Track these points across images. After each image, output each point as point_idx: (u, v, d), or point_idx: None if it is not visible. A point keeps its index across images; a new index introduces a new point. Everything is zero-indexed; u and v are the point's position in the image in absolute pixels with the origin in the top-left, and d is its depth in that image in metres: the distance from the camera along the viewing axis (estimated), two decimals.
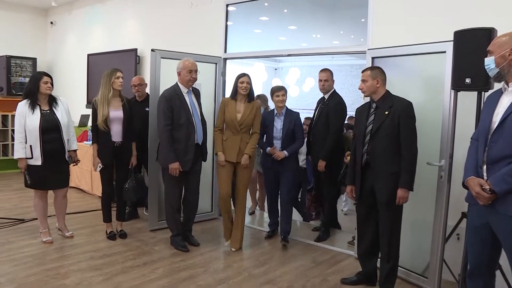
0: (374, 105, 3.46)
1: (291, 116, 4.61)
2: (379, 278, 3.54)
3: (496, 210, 2.37)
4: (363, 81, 3.45)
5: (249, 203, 6.06)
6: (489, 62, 2.49)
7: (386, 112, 3.34)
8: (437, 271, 3.48)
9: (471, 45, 3.07)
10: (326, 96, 4.73)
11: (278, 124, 4.62)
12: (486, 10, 3.62)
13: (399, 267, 3.58)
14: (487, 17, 3.49)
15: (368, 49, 4.15)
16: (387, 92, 3.45)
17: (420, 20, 4.04)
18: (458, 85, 3.22)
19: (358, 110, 3.67)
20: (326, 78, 4.71)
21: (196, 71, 4.24)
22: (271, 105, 5.52)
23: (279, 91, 4.58)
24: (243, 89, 4.22)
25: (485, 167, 2.45)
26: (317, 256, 4.32)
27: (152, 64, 4.77)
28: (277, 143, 4.59)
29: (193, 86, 4.36)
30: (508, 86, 2.43)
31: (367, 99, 3.61)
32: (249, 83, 4.26)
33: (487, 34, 3.04)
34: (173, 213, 4.35)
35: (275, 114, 4.65)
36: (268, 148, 4.59)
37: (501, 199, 2.34)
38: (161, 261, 4.00)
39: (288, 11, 6.46)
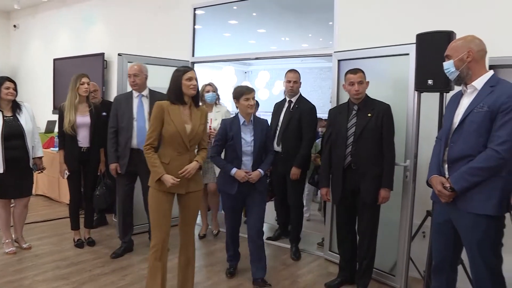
0: (355, 107, 3.48)
1: (262, 125, 3.67)
2: (356, 274, 3.63)
3: (457, 207, 2.47)
4: (360, 82, 3.40)
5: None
6: (449, 66, 2.56)
7: (369, 114, 3.40)
8: (404, 268, 3.56)
9: (432, 48, 3.14)
10: (294, 100, 4.39)
11: (247, 135, 3.58)
12: (446, 14, 3.73)
13: None
14: (447, 20, 3.58)
15: (334, 52, 4.21)
16: (366, 94, 3.51)
17: (385, 23, 4.12)
18: (421, 86, 3.29)
19: (334, 112, 3.69)
20: (296, 79, 4.38)
21: (134, 75, 4.05)
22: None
23: (249, 93, 3.52)
24: (192, 88, 3.06)
25: (446, 165, 2.54)
26: (287, 258, 4.33)
27: (119, 68, 4.73)
28: (247, 160, 3.57)
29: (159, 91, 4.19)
30: (467, 88, 2.53)
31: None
32: (197, 80, 3.13)
33: (447, 36, 3.13)
34: (120, 216, 4.33)
35: (241, 122, 3.56)
36: (235, 171, 3.49)
37: (462, 197, 2.43)
38: (130, 268, 3.95)
39: (257, 14, 6.48)
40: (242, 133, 3.55)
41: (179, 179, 3.01)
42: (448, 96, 2.90)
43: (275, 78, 9.89)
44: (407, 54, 3.50)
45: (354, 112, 3.48)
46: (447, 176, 2.54)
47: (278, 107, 4.60)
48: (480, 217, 2.39)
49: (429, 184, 2.64)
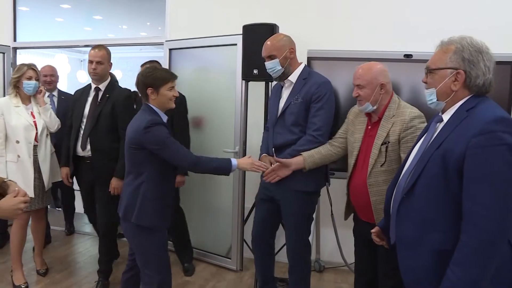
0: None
1: None
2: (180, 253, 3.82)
3: (281, 186, 2.73)
4: None
5: None
6: (275, 65, 2.74)
7: None
8: (238, 251, 3.74)
9: (257, 39, 3.28)
10: (102, 87, 3.38)
11: None
12: (271, 7, 3.94)
13: (203, 251, 3.93)
14: (271, 13, 3.80)
15: (166, 41, 4.18)
16: None
17: (216, 14, 4.17)
18: (247, 75, 3.45)
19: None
20: (100, 58, 3.33)
21: None
22: None
23: (174, 80, 2.52)
24: None
25: (273, 149, 2.83)
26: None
27: None
28: None
29: None
30: (285, 83, 2.80)
31: None
32: None
33: (271, 29, 3.35)
34: None
35: (165, 120, 2.55)
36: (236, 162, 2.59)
37: (286, 177, 2.71)
38: None
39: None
40: None
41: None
42: (273, 85, 3.10)
43: (112, 67, 9.49)
44: (235, 44, 3.62)
45: None
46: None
47: (81, 96, 3.45)
48: (299, 193, 2.73)
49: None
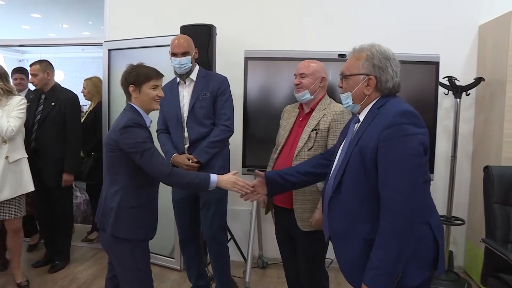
0: (43, 96, 3.76)
1: None
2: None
3: None
4: (33, 75, 3.67)
5: None
6: (188, 61, 2.92)
7: (53, 103, 3.70)
8: (180, 251, 3.74)
9: (195, 39, 3.32)
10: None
11: None
12: (208, 8, 4.01)
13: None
14: (209, 14, 3.86)
15: (105, 41, 4.14)
16: (56, 84, 3.84)
17: (156, 14, 4.18)
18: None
19: (30, 99, 3.89)
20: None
21: None
22: None
23: (160, 79, 2.37)
24: None
25: (186, 146, 2.95)
26: None
27: None
28: None
29: None
30: (186, 82, 2.97)
31: None
32: None
33: (208, 29, 3.43)
34: None
35: (148, 123, 2.38)
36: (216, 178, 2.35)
37: (203, 169, 2.84)
38: None
39: None
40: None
41: None
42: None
43: (55, 67, 9.20)
44: None
45: (42, 100, 3.77)
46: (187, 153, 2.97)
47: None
48: None
49: (173, 164, 2.90)
